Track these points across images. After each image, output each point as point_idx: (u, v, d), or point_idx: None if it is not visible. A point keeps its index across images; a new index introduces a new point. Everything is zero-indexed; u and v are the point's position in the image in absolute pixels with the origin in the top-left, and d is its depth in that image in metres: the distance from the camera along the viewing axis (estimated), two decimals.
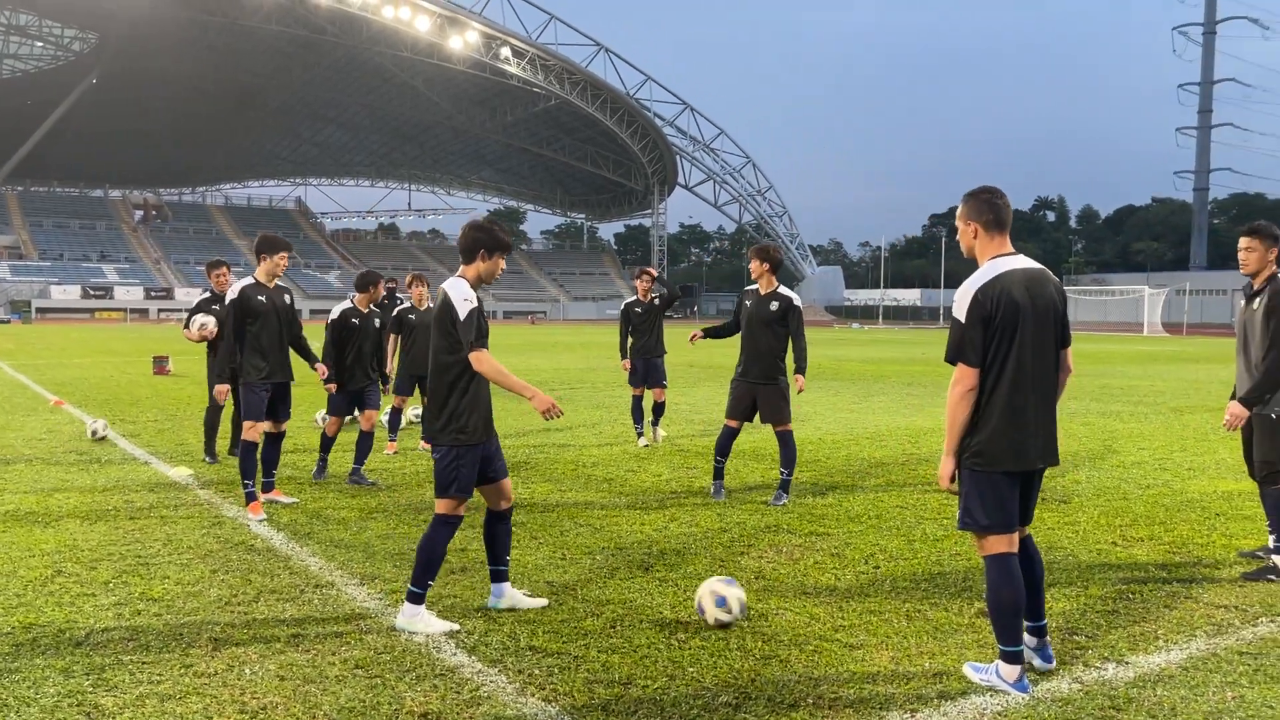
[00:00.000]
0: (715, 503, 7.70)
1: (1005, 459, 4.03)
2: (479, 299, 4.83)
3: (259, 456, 7.31)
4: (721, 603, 4.74)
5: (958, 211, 4.25)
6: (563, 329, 60.33)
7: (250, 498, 7.12)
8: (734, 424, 7.85)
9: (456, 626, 4.73)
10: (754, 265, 7.83)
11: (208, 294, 9.94)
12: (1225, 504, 7.72)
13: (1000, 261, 4.09)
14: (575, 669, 4.25)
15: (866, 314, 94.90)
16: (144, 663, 4.26)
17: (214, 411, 9.56)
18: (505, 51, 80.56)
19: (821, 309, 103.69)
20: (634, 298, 11.04)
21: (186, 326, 9.60)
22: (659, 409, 11.17)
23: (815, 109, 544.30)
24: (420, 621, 4.70)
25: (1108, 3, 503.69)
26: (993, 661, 4.19)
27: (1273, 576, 5.68)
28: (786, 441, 7.71)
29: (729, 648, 4.52)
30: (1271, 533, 5.91)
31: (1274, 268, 5.85)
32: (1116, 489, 8.34)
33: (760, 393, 7.71)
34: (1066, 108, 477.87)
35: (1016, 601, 4.05)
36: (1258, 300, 5.81)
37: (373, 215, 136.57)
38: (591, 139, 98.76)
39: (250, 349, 7.32)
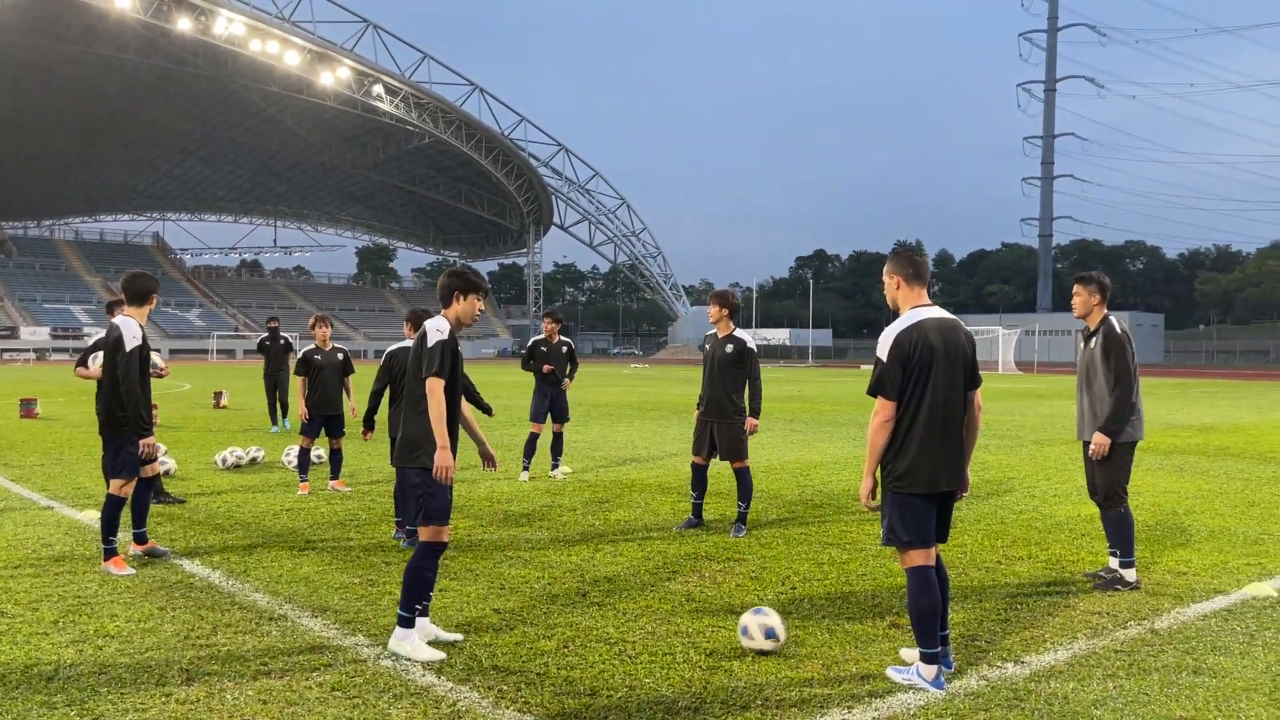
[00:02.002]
0: (635, 533, 8.12)
1: (922, 483, 4.63)
2: (454, 338, 5.22)
3: (131, 506, 7.05)
4: (771, 634, 5.02)
5: (885, 268, 4.89)
6: None
7: (110, 553, 6.69)
8: (699, 460, 8.33)
9: (443, 656, 4.92)
10: (713, 310, 8.31)
11: (105, 333, 9.81)
12: (1089, 525, 8.57)
13: (919, 310, 4.73)
14: (541, 684, 4.61)
15: None
16: (122, 693, 4.41)
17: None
18: (378, 89, 80.00)
19: (695, 347, 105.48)
20: (541, 336, 11.56)
21: (84, 364, 9.44)
22: (558, 442, 11.61)
23: (687, 153, 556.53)
24: (408, 646, 4.93)
25: (963, 58, 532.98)
26: (912, 664, 4.74)
27: (1120, 586, 6.44)
28: (742, 477, 8.21)
29: (676, 661, 4.94)
30: (1112, 551, 6.65)
31: (1103, 311, 6.70)
32: (994, 514, 9.13)
33: (718, 429, 8.16)
34: (923, 156, 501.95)
35: (934, 608, 4.62)
36: (1094, 340, 6.62)
37: (236, 252, 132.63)
38: (466, 178, 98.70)
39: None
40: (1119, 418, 6.42)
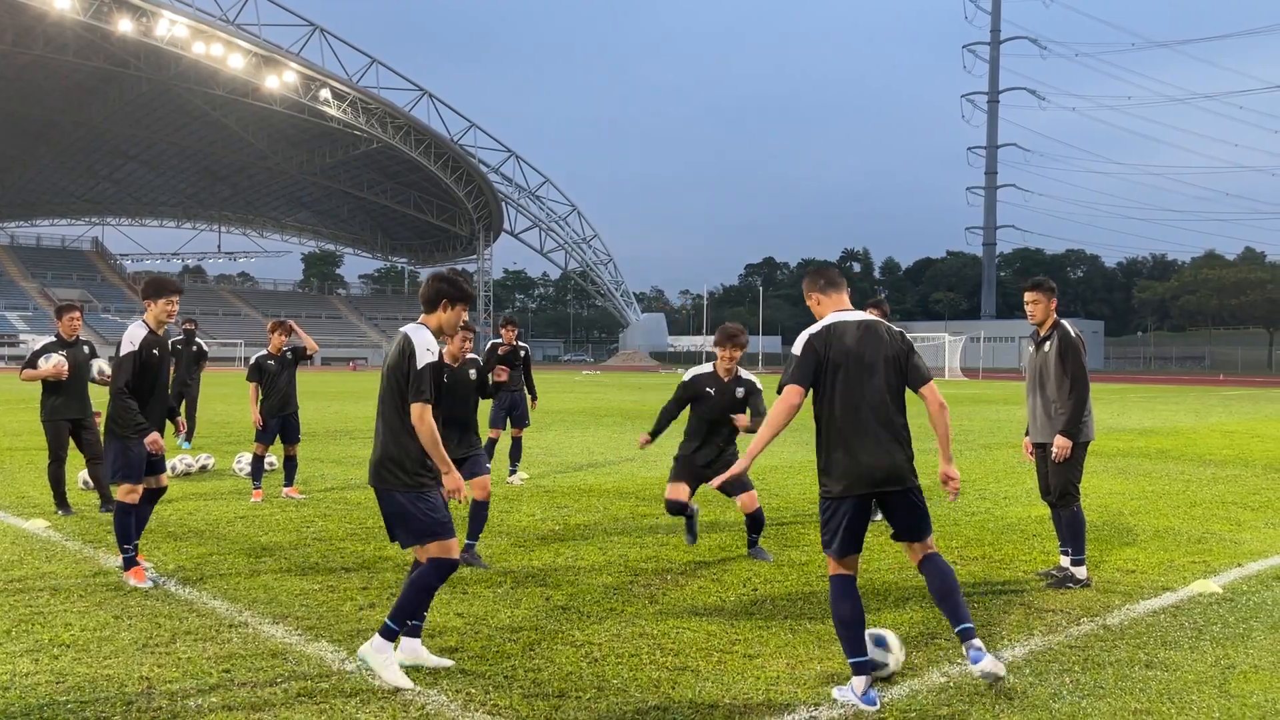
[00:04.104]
0: (595, 538, 8.14)
1: (842, 488, 4.57)
2: (440, 354, 4.84)
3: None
4: (880, 642, 4.79)
5: (804, 287, 5.00)
6: None
7: (130, 563, 6.53)
8: (683, 498, 7.27)
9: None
10: (730, 353, 7.18)
11: (54, 338, 9.60)
12: (1039, 526, 8.75)
13: (835, 315, 4.80)
14: (509, 686, 4.61)
15: (690, 359, 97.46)
16: (82, 701, 4.33)
17: (57, 465, 9.26)
18: (325, 93, 79.07)
19: (646, 355, 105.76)
20: (500, 340, 11.56)
21: (31, 366, 9.23)
22: (517, 448, 11.61)
23: (637, 160, 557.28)
24: (380, 659, 4.58)
25: (910, 69, 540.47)
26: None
27: (1071, 584, 6.59)
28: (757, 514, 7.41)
29: (643, 663, 4.97)
30: (1064, 550, 6.81)
31: (1055, 315, 6.87)
32: (947, 516, 9.28)
33: (719, 468, 7.09)
34: (871, 165, 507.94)
35: (855, 616, 4.52)
36: (1048, 344, 6.77)
37: (179, 257, 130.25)
38: (415, 183, 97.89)
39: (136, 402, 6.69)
40: (1077, 420, 6.58)
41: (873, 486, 4.59)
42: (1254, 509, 9.88)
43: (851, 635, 4.50)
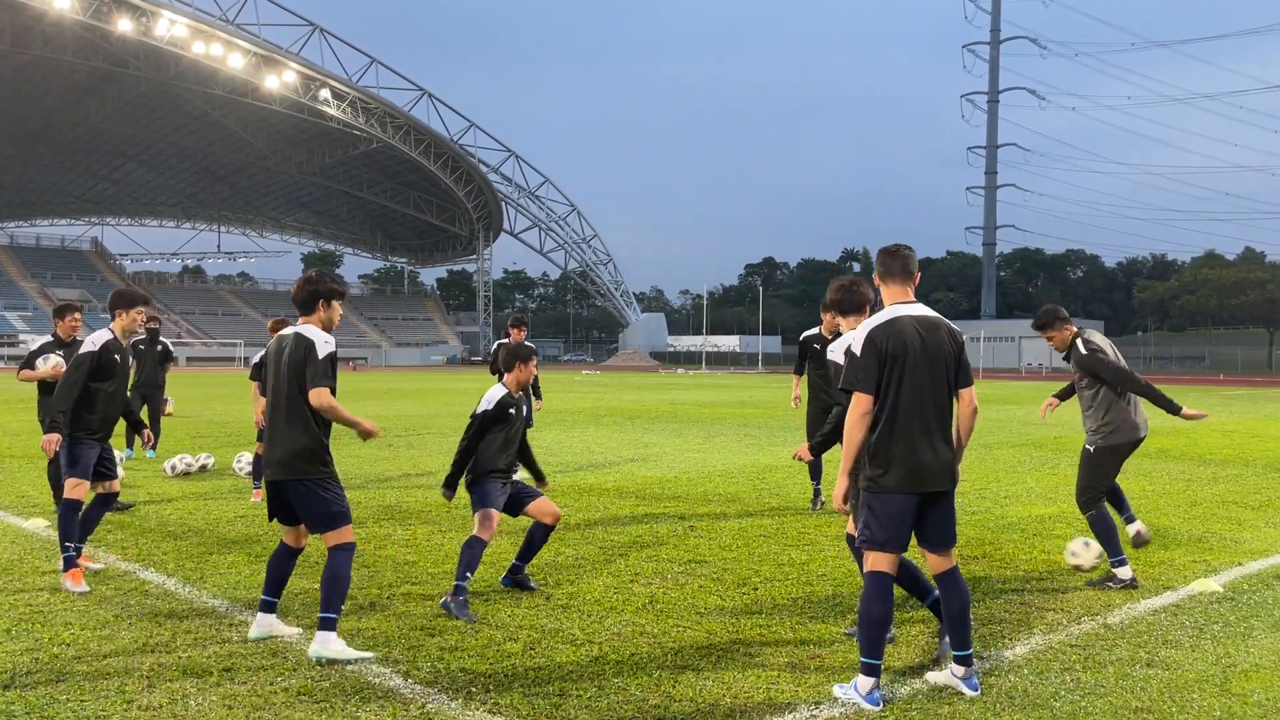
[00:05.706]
0: (595, 537, 8.13)
1: (899, 482, 4.51)
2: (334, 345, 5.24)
3: (82, 517, 6.64)
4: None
5: (875, 265, 4.91)
6: (388, 375, 59.45)
7: (70, 563, 6.38)
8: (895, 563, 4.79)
9: (370, 655, 4.98)
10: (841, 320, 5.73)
11: (51, 338, 9.58)
12: (1039, 525, 8.75)
13: (898, 307, 4.69)
14: (509, 685, 4.60)
15: (689, 359, 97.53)
16: (82, 699, 4.33)
17: (56, 465, 9.24)
18: (325, 93, 79.10)
19: (646, 354, 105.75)
20: (508, 340, 11.57)
21: (30, 366, 9.20)
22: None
23: (637, 159, 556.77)
24: (335, 647, 4.94)
25: (910, 69, 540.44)
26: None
27: (1112, 584, 6.54)
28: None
29: (643, 661, 4.97)
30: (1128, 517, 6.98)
31: (1070, 332, 6.93)
32: None
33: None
34: (871, 165, 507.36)
35: (886, 616, 4.50)
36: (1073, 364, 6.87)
37: (178, 257, 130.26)
38: (414, 183, 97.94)
39: (87, 404, 6.74)
40: (1161, 401, 6.62)
41: (927, 486, 4.53)
42: (1254, 508, 9.88)
43: (874, 636, 4.45)
